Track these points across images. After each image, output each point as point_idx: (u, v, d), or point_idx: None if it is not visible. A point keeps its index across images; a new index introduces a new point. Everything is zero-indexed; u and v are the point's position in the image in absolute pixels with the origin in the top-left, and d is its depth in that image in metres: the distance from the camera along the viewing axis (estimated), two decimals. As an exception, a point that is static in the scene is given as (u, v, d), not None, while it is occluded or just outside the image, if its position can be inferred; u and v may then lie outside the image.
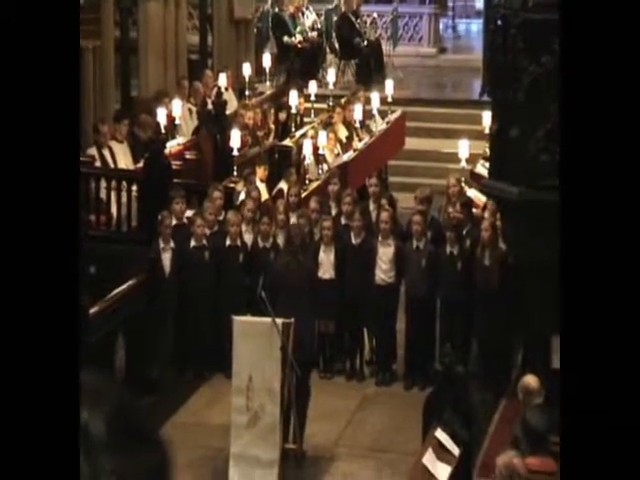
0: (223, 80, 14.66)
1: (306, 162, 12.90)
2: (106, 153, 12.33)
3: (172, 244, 10.54)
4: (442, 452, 7.65)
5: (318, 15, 17.87)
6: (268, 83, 15.75)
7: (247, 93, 15.06)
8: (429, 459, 7.53)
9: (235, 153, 12.22)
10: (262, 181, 12.24)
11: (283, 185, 12.16)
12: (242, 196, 11.66)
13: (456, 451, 7.70)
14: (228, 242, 10.68)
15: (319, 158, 13.07)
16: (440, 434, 7.75)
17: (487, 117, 10.85)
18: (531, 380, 7.87)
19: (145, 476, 1.67)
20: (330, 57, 17.54)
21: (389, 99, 14.65)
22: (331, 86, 15.55)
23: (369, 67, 16.97)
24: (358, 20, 17.60)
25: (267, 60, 15.83)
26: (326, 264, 10.54)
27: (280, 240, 10.60)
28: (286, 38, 17.28)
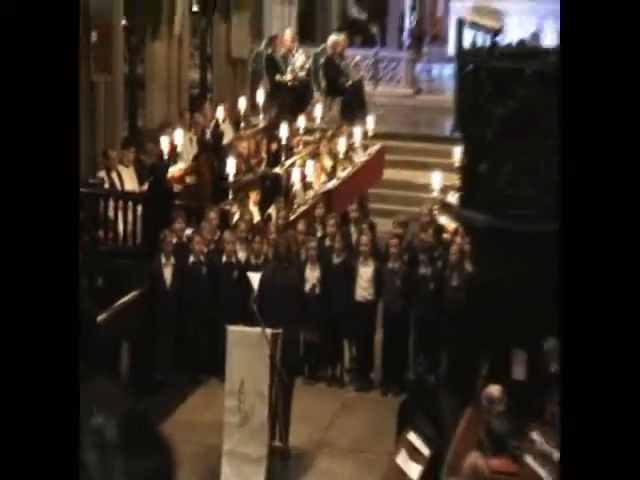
0: (221, 113, 14.68)
1: (294, 188, 12.93)
2: (114, 176, 12.31)
3: (173, 260, 10.53)
4: (414, 453, 7.64)
5: (307, 57, 17.92)
6: (261, 116, 15.76)
7: (242, 125, 15.07)
8: (402, 459, 7.53)
9: (231, 179, 12.23)
10: (254, 204, 12.26)
11: (272, 211, 12.18)
12: (236, 217, 11.67)
13: (426, 452, 7.70)
14: (224, 259, 10.69)
15: (306, 185, 13.10)
16: (412, 436, 7.75)
17: (458, 152, 10.87)
18: (494, 390, 7.89)
19: (153, 476, 1.68)
20: (317, 94, 17.57)
21: (370, 133, 14.71)
22: (318, 120, 15.57)
23: (352, 104, 17.00)
24: (343, 62, 17.65)
25: (260, 96, 15.85)
26: (311, 280, 10.55)
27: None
28: (278, 77, 17.32)
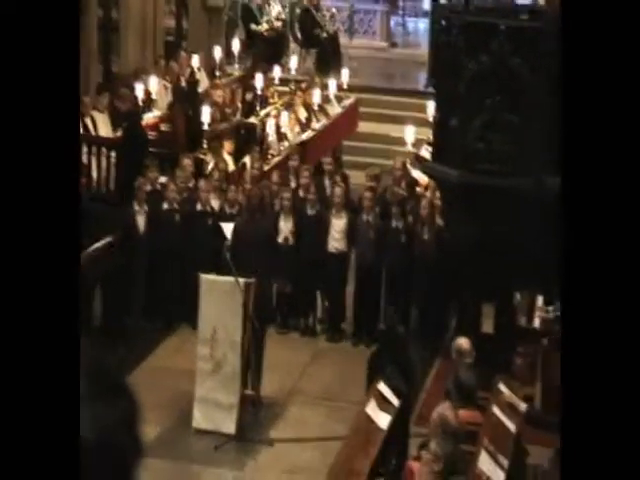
0: (196, 61, 14.51)
1: (269, 139, 12.84)
2: (88, 122, 12.15)
3: (146, 207, 10.45)
4: (383, 402, 7.68)
5: (283, 7, 17.71)
6: (236, 66, 15.61)
7: (217, 74, 14.91)
8: (372, 408, 7.57)
9: (205, 127, 12.12)
10: (229, 154, 12.17)
11: (247, 160, 12.10)
12: (211, 166, 11.58)
13: (396, 402, 7.74)
14: (198, 207, 10.62)
15: (281, 136, 13.01)
16: (382, 387, 7.78)
17: (431, 106, 10.82)
18: (463, 342, 7.92)
19: (118, 423, 1.67)
20: (293, 45, 17.41)
21: (344, 86, 14.62)
22: (293, 71, 15.46)
23: (327, 56, 16.87)
24: (319, 13, 17.49)
25: (236, 45, 15.68)
26: (285, 231, 10.52)
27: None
28: (253, 26, 17.13)
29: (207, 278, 8.83)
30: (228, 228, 9.60)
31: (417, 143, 12.47)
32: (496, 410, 7.56)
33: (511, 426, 7.51)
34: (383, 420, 7.53)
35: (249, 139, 12.95)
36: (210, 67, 15.03)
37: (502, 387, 7.93)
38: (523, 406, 7.90)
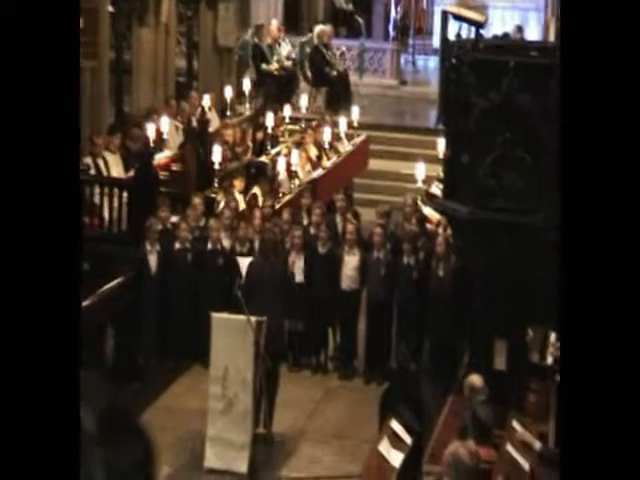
0: (207, 101, 14.63)
1: (280, 177, 12.91)
2: (100, 162, 12.25)
3: (158, 247, 10.50)
4: (396, 440, 7.65)
5: (293, 46, 17.87)
6: (247, 105, 15.72)
7: (228, 113, 15.03)
8: (384, 446, 7.54)
9: (216, 166, 12.19)
10: (240, 192, 12.24)
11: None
12: (222, 205, 11.64)
13: (408, 440, 7.71)
14: (209, 246, 10.66)
15: (291, 174, 13.08)
16: (394, 424, 7.76)
17: (441, 143, 10.86)
18: (475, 379, 7.89)
19: (133, 465, 1.67)
20: (303, 84, 17.53)
21: (355, 124, 14.69)
22: (303, 110, 15.56)
23: (338, 94, 16.98)
24: (329, 52, 17.62)
25: (247, 85, 15.81)
26: (296, 269, 10.54)
27: (256, 245, 10.60)
28: (264, 66, 17.27)
29: (218, 317, 8.85)
30: (244, 263, 9.63)
31: (428, 180, 12.52)
32: (510, 448, 7.51)
33: (525, 464, 7.45)
34: (396, 458, 7.49)
35: (260, 178, 13.02)
36: (221, 107, 15.16)
37: (516, 424, 7.88)
38: (537, 444, 7.84)
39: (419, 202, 11.85)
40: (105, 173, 12.27)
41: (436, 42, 20.01)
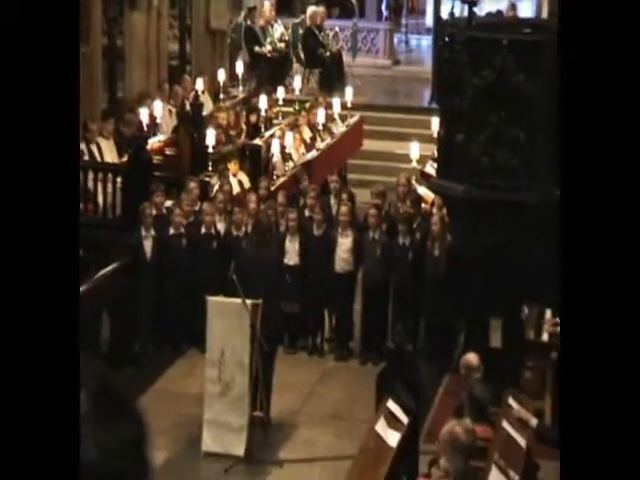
0: (200, 84, 14.58)
1: (274, 160, 12.87)
2: (94, 148, 12.22)
3: (152, 232, 10.47)
4: (393, 420, 7.66)
5: (286, 28, 17.79)
6: (240, 88, 15.67)
7: (221, 96, 14.98)
8: (381, 426, 7.54)
9: (210, 150, 12.16)
10: (234, 175, 12.21)
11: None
12: (216, 189, 11.61)
13: (405, 420, 7.71)
14: (203, 230, 10.63)
15: (286, 156, 13.04)
16: (391, 404, 7.76)
17: (435, 123, 10.83)
18: (471, 357, 7.88)
19: (125, 445, 1.65)
20: (296, 66, 17.46)
21: (348, 105, 14.64)
22: (297, 92, 15.51)
23: (331, 75, 16.92)
24: (322, 33, 17.55)
25: (240, 67, 15.75)
26: (291, 252, 10.52)
27: (250, 229, 10.56)
28: (257, 48, 17.21)
29: (214, 300, 8.84)
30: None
31: (422, 159, 12.48)
32: (506, 425, 7.52)
33: (521, 441, 7.46)
34: (393, 438, 7.49)
35: (254, 160, 12.98)
36: (214, 90, 15.10)
37: (512, 401, 7.88)
38: (534, 421, 7.84)
39: (413, 181, 11.81)
40: (99, 159, 12.25)
41: (429, 21, 19.93)
